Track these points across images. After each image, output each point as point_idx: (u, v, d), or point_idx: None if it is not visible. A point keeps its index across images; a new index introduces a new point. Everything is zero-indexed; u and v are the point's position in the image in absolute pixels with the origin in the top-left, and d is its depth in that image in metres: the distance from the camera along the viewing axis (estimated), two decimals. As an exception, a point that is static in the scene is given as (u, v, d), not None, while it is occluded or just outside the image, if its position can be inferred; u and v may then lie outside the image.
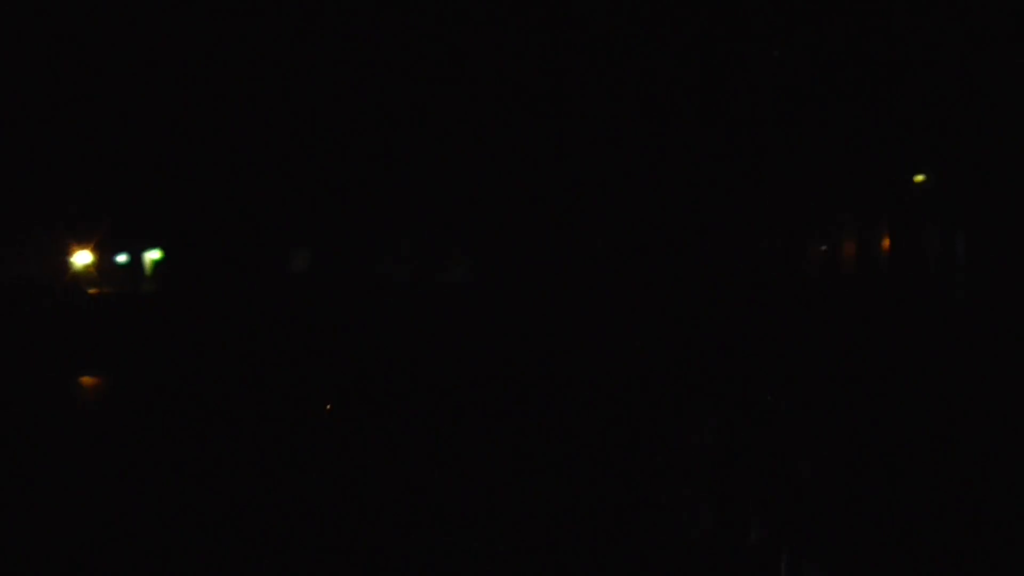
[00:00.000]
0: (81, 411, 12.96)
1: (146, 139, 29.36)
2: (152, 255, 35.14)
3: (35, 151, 30.70)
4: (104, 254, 37.26)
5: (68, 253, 33.17)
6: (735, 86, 17.52)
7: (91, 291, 30.54)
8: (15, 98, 28.81)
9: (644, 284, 18.20)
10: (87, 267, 35.64)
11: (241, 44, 24.80)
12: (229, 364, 15.60)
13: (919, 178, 15.01)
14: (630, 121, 19.46)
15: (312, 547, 4.77)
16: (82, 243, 32.25)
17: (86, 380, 15.32)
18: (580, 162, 20.64)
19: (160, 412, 12.13)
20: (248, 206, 32.59)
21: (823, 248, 17.11)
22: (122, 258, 38.46)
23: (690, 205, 18.96)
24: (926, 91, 13.77)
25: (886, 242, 15.04)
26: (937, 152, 13.90)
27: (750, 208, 18.10)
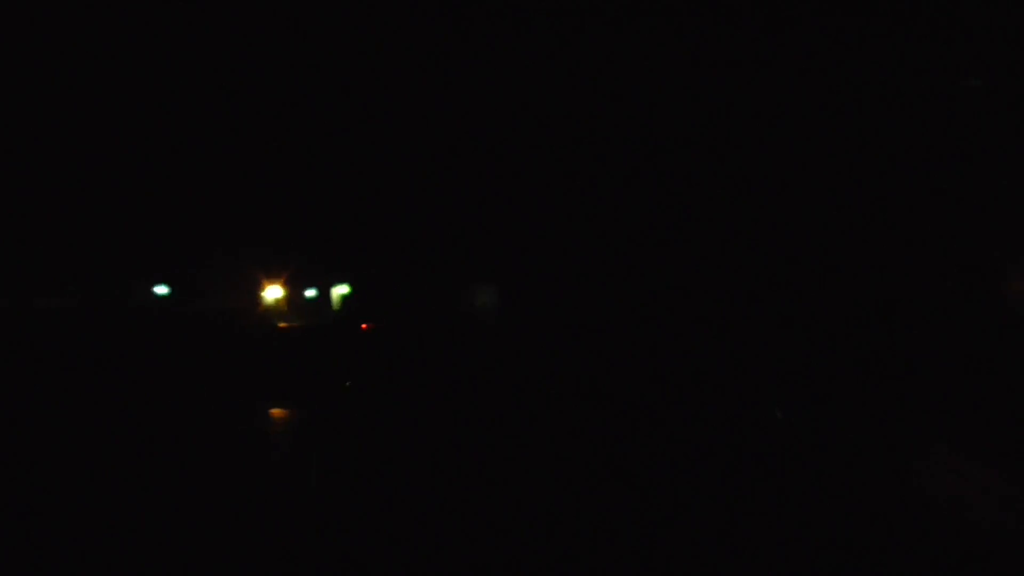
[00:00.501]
0: (270, 442, 13.26)
1: (337, 180, 30.19)
2: (340, 290, 36.09)
3: (232, 190, 31.94)
4: (294, 289, 38.53)
5: (260, 288, 34.38)
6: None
7: (280, 325, 31.51)
8: (213, 144, 30.07)
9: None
10: (278, 301, 36.88)
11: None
12: (412, 397, 15.76)
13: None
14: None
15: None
16: (273, 278, 33.36)
17: (275, 412, 15.72)
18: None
19: (345, 444, 12.30)
20: (429, 243, 33.11)
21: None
22: (311, 293, 39.68)
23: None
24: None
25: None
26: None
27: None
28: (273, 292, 34.29)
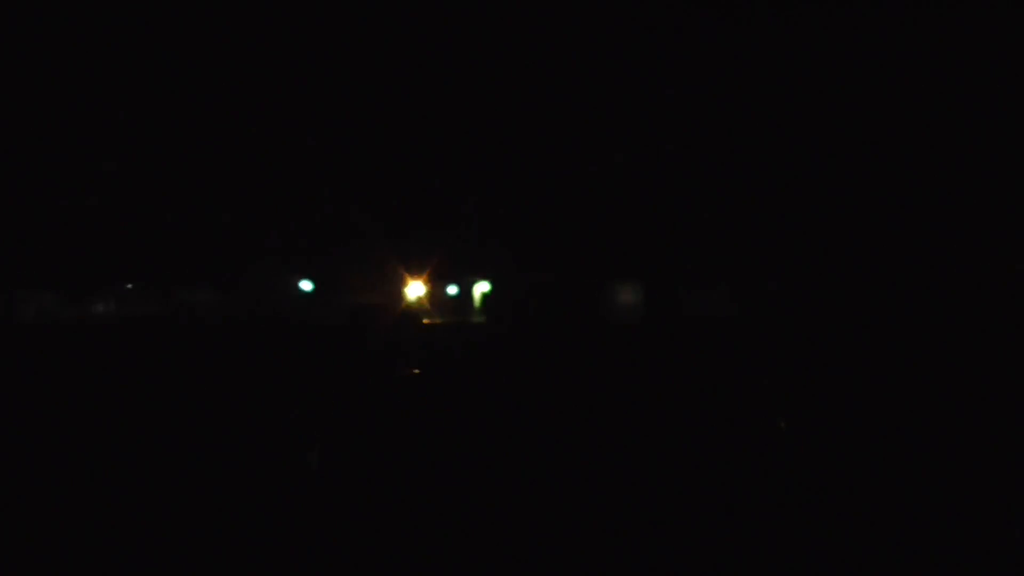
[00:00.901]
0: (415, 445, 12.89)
1: (476, 175, 29.87)
2: (482, 287, 35.84)
3: (374, 182, 31.93)
4: (436, 286, 38.45)
5: (402, 284, 34.38)
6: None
7: (424, 321, 31.44)
8: (352, 137, 30.10)
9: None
10: (420, 298, 36.86)
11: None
12: (550, 394, 15.25)
13: None
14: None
15: None
16: (415, 274, 33.30)
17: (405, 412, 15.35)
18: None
19: (486, 445, 11.86)
20: (572, 240, 32.58)
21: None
22: (452, 290, 39.54)
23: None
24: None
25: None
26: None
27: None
28: (415, 289, 34.19)
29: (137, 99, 29.99)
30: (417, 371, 14.52)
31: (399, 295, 33.50)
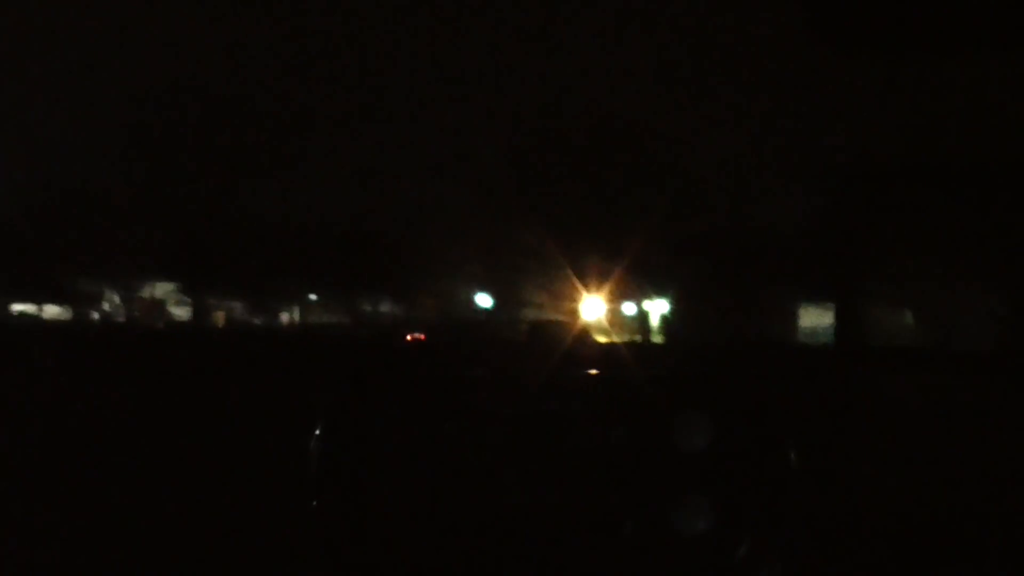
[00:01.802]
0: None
1: (659, 198, 29.65)
2: (660, 308, 35.43)
3: (553, 202, 31.93)
4: (615, 305, 38.22)
5: (580, 302, 34.27)
6: None
7: (600, 339, 31.17)
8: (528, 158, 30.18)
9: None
10: (599, 318, 36.68)
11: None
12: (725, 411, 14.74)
13: None
14: None
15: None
16: (594, 293, 33.13)
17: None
18: None
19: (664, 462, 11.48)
20: (753, 262, 31.89)
21: None
22: (630, 310, 39.20)
23: None
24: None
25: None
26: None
27: None
28: (593, 306, 33.95)
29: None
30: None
31: (576, 312, 33.38)
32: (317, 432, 3.63)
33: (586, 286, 32.00)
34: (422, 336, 30.77)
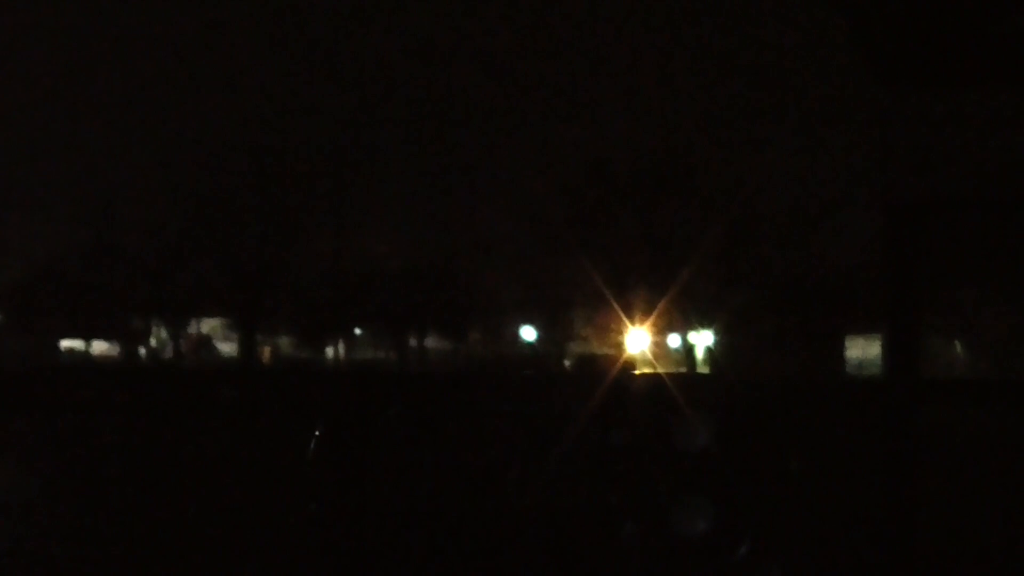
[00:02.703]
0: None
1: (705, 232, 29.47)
2: (705, 341, 35.14)
3: (599, 241, 31.88)
4: (660, 338, 37.97)
5: (625, 334, 34.06)
6: None
7: (638, 371, 30.96)
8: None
9: None
10: (643, 350, 36.42)
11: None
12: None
13: None
14: None
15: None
16: (639, 325, 32.92)
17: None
18: None
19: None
20: (797, 295, 31.61)
21: None
22: (675, 342, 38.93)
23: None
24: None
25: None
26: None
27: None
28: (639, 339, 33.72)
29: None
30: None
31: (622, 345, 33.19)
32: (316, 435, 3.62)
33: (631, 319, 31.87)
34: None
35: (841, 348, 37.70)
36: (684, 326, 34.24)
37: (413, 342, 40.06)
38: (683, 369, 36.51)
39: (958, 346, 36.90)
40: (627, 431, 3.89)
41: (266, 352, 40.54)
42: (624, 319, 31.54)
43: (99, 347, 39.62)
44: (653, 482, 3.90)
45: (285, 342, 41.41)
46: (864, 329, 36.41)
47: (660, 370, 34.87)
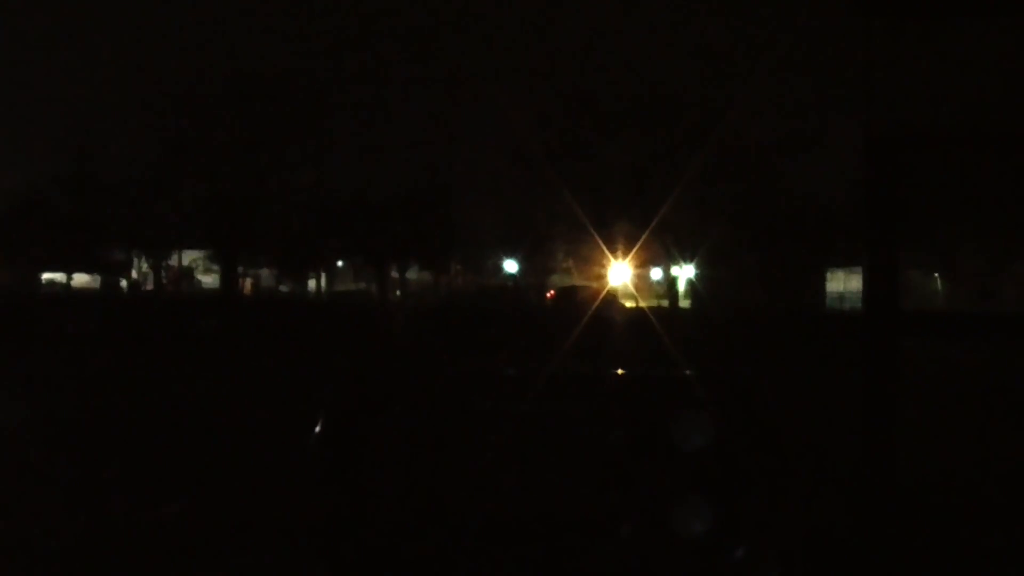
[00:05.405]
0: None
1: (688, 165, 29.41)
2: (687, 274, 35.18)
3: (584, 177, 31.80)
4: (642, 270, 38.08)
5: (608, 268, 34.06)
6: None
7: (627, 304, 31.08)
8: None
9: None
10: (626, 282, 36.50)
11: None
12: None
13: None
14: None
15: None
16: (621, 259, 32.91)
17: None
18: None
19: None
20: (777, 230, 31.67)
21: None
22: (657, 275, 39.05)
23: None
24: None
25: None
26: None
27: None
28: (621, 271, 33.78)
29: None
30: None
31: (604, 278, 33.26)
32: (317, 430, 3.60)
33: (614, 252, 31.88)
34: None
35: (822, 281, 37.91)
36: (666, 260, 34.32)
37: (395, 274, 40.11)
38: (664, 303, 36.68)
39: (937, 280, 37.17)
40: (626, 430, 3.88)
41: (247, 284, 40.50)
42: (606, 252, 31.55)
43: (80, 279, 39.50)
44: (652, 482, 3.90)
45: (266, 274, 41.37)
46: (845, 263, 36.61)
47: (642, 303, 35.10)
